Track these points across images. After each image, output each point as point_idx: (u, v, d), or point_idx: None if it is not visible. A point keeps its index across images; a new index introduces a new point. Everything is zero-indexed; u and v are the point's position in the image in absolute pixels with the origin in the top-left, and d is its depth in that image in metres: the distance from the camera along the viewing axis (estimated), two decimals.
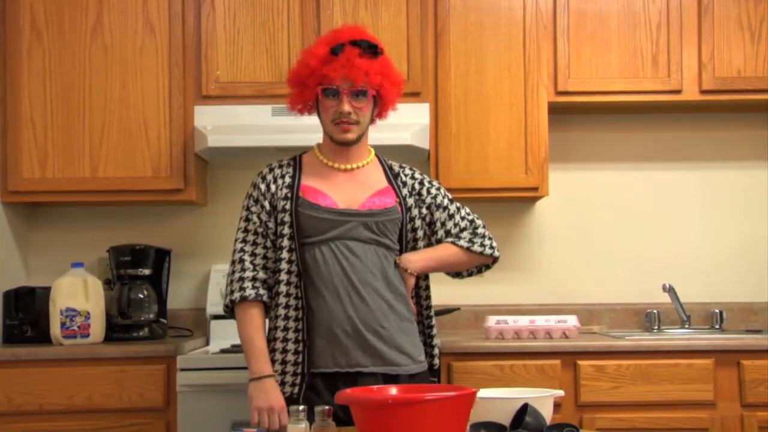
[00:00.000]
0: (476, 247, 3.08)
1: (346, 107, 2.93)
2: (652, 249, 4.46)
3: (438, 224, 3.09)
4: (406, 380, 2.93)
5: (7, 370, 3.65)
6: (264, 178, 3.02)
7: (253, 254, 2.97)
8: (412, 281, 3.04)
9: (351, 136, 2.97)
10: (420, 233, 3.06)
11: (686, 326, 4.28)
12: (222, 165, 4.37)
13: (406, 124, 3.83)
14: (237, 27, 4.04)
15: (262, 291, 2.95)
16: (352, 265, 2.92)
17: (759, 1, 4.14)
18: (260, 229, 2.98)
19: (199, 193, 4.17)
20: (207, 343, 4.18)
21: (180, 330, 4.28)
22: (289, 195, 2.96)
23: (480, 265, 3.16)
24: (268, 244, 2.98)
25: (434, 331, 3.15)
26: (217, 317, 4.13)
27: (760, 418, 3.68)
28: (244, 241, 2.99)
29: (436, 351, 3.15)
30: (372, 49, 2.94)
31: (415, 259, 3.02)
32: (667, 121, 4.48)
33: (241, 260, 2.97)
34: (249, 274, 2.95)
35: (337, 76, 2.91)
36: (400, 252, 3.02)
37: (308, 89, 2.96)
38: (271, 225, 2.97)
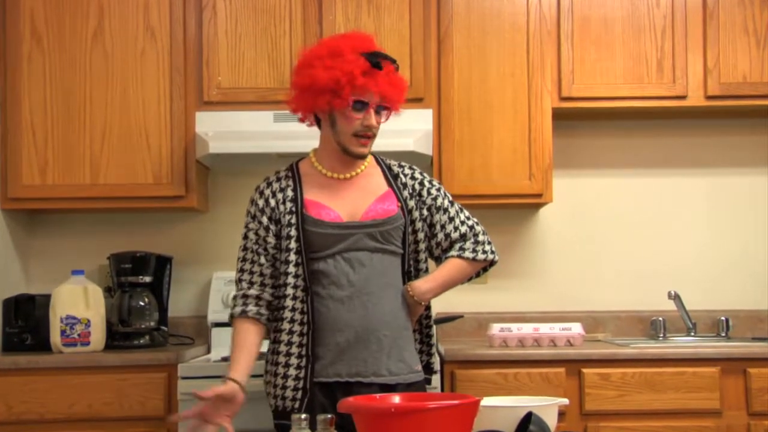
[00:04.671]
0: (480, 255, 3.07)
1: (374, 121, 2.93)
2: (658, 256, 4.44)
3: (438, 227, 3.07)
4: (404, 389, 2.92)
5: (6, 378, 3.64)
6: (262, 194, 3.00)
7: (251, 272, 2.97)
8: (421, 310, 3.05)
9: (366, 150, 2.97)
10: (421, 235, 3.04)
11: (692, 334, 4.26)
12: (223, 171, 4.35)
13: (409, 130, 3.82)
14: (239, 32, 4.03)
15: (250, 308, 2.94)
16: (358, 275, 2.91)
17: (765, 6, 4.12)
18: (255, 246, 2.96)
19: (201, 200, 4.16)
20: (208, 351, 4.16)
21: (181, 338, 4.26)
22: (293, 209, 2.93)
23: (479, 269, 3.15)
24: (263, 260, 2.96)
25: (432, 330, 3.15)
26: (218, 325, 4.11)
27: (767, 426, 3.66)
28: (243, 259, 3.00)
29: (434, 350, 3.15)
30: (395, 65, 2.96)
31: (426, 290, 3.01)
32: (672, 126, 4.46)
33: (240, 280, 2.99)
34: (241, 292, 2.97)
35: (377, 91, 2.89)
36: (404, 255, 3.00)
37: (341, 98, 2.87)
38: (270, 240, 2.95)
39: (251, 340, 2.94)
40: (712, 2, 4.11)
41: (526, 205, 4.30)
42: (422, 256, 3.06)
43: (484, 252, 3.08)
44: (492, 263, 3.13)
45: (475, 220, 3.14)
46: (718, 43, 4.11)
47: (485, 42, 4.08)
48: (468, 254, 3.06)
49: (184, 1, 4.03)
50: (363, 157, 2.99)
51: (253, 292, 2.95)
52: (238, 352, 2.92)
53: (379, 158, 3.10)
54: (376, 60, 2.89)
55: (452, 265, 3.06)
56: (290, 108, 3.01)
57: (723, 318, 4.26)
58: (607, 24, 4.13)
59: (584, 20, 4.12)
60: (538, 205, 4.31)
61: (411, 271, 3.04)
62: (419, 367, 3.03)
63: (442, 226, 3.07)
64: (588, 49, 4.12)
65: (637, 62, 4.11)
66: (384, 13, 4.05)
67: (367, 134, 2.93)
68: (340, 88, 2.86)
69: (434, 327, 3.17)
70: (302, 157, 3.09)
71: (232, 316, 2.98)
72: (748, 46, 4.11)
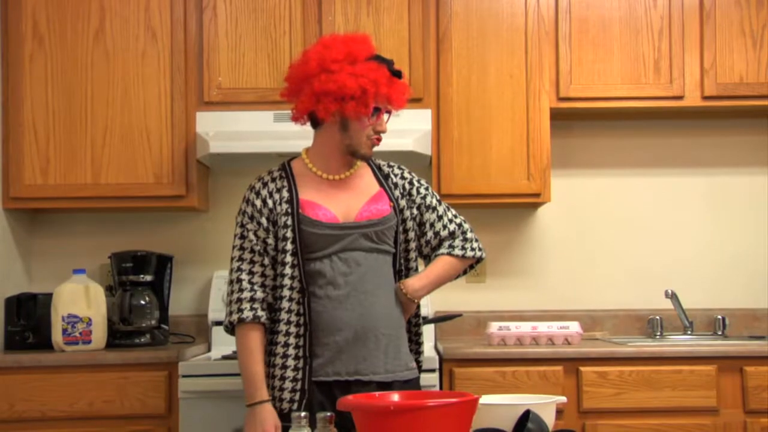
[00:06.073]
0: (469, 253, 3.11)
1: (386, 127, 3.00)
2: (655, 255, 4.45)
3: (427, 225, 3.10)
4: (400, 387, 2.94)
5: (8, 376, 3.65)
6: (258, 194, 2.99)
7: (251, 273, 2.95)
8: (413, 308, 3.07)
9: (372, 152, 3.02)
10: (411, 234, 3.07)
11: (689, 332, 4.27)
12: (224, 171, 4.37)
13: (408, 130, 3.83)
14: (239, 33, 4.04)
15: (260, 312, 2.92)
16: (354, 275, 2.93)
17: (761, 7, 4.13)
18: (257, 247, 2.96)
19: (201, 200, 4.17)
20: (209, 350, 4.17)
21: (182, 336, 4.27)
22: (289, 210, 2.94)
23: (467, 266, 3.19)
24: (266, 261, 2.95)
25: (421, 329, 3.17)
26: (218, 323, 4.12)
27: (763, 424, 3.67)
28: (240, 259, 2.97)
29: (422, 349, 3.16)
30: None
31: (419, 287, 3.04)
32: (669, 127, 4.47)
33: (239, 280, 2.95)
34: (247, 294, 2.93)
35: (395, 99, 2.95)
36: (395, 254, 3.03)
37: (365, 106, 2.91)
38: (270, 241, 2.95)
39: (262, 348, 2.94)
40: (709, 3, 4.13)
41: (524, 205, 4.31)
42: (412, 254, 3.09)
43: (473, 249, 3.12)
44: (479, 260, 3.16)
45: (462, 218, 3.17)
46: (715, 44, 4.12)
47: (484, 43, 4.09)
48: (457, 251, 3.09)
49: (184, 2, 4.05)
50: (370, 158, 3.03)
51: (260, 295, 2.93)
52: (257, 365, 2.91)
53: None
54: (396, 69, 2.97)
55: (443, 263, 3.09)
56: (298, 107, 2.99)
57: (720, 317, 4.27)
58: (604, 25, 4.14)
59: (582, 21, 4.14)
60: (537, 205, 4.32)
61: (402, 270, 3.06)
62: (414, 365, 3.05)
63: (432, 225, 3.10)
64: (585, 49, 4.13)
65: (634, 63, 4.13)
66: (383, 14, 4.06)
67: (378, 138, 2.99)
68: (367, 97, 2.89)
69: (423, 326, 3.19)
70: (293, 156, 3.12)
71: (240, 321, 2.91)
72: (745, 46, 4.13)
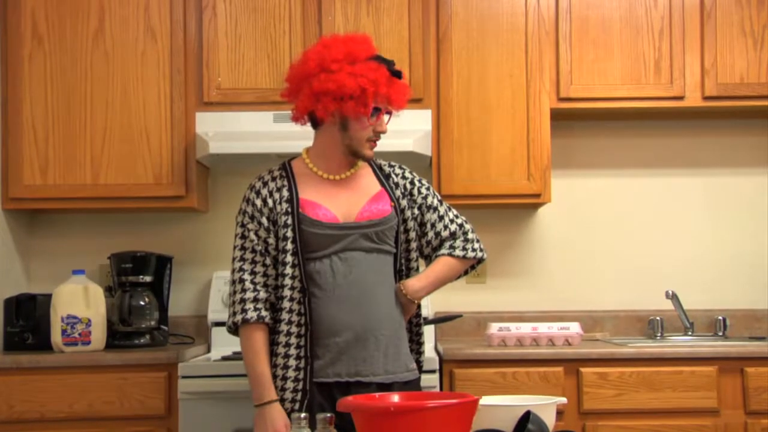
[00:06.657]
0: (470, 253, 3.11)
1: (386, 127, 2.99)
2: (655, 255, 4.44)
3: (428, 225, 3.09)
4: (400, 388, 2.93)
5: (7, 377, 3.65)
6: (258, 193, 2.99)
7: (253, 273, 2.94)
8: (413, 309, 3.06)
9: (373, 153, 3.02)
10: (412, 234, 3.06)
11: (689, 333, 4.27)
12: (223, 171, 4.36)
13: (408, 130, 3.82)
14: (238, 33, 4.04)
15: (264, 312, 2.92)
16: (354, 275, 2.92)
17: (762, 7, 4.13)
18: (258, 247, 2.95)
19: (201, 200, 4.17)
20: (208, 350, 4.17)
21: (181, 337, 4.27)
22: (289, 210, 2.93)
23: (468, 267, 3.18)
24: (268, 261, 2.95)
25: (422, 329, 3.16)
26: (218, 324, 4.12)
27: (764, 425, 3.67)
28: (242, 259, 2.96)
29: (423, 349, 3.16)
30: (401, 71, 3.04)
31: (419, 288, 3.03)
32: (670, 127, 4.47)
33: (241, 280, 2.94)
34: (250, 294, 2.92)
35: (395, 99, 2.95)
36: (396, 254, 3.02)
37: (365, 106, 2.90)
38: (271, 241, 2.95)
39: (267, 348, 2.93)
40: (710, 3, 4.12)
41: (524, 205, 4.30)
42: (413, 255, 3.08)
43: (474, 250, 3.11)
44: (480, 261, 3.16)
45: (464, 218, 3.17)
46: (716, 44, 4.12)
47: (484, 43, 4.09)
48: (458, 252, 3.08)
49: (184, 2, 4.04)
50: (371, 158, 3.02)
51: (263, 295, 2.92)
52: (264, 365, 2.90)
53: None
54: (396, 70, 2.96)
55: (443, 263, 3.08)
56: (298, 107, 2.98)
57: (720, 317, 4.27)
58: (605, 25, 4.14)
59: (582, 21, 4.13)
60: (537, 205, 4.31)
61: (403, 270, 3.06)
62: (414, 366, 3.05)
63: (433, 225, 3.09)
64: (586, 49, 4.13)
65: (634, 63, 4.12)
66: (383, 14, 4.05)
67: (378, 138, 2.98)
68: (366, 96, 2.89)
69: (423, 326, 3.18)
70: (293, 156, 3.11)
71: (245, 321, 2.90)
72: (746, 46, 4.12)
